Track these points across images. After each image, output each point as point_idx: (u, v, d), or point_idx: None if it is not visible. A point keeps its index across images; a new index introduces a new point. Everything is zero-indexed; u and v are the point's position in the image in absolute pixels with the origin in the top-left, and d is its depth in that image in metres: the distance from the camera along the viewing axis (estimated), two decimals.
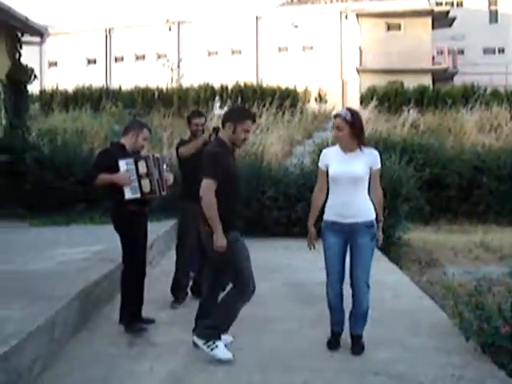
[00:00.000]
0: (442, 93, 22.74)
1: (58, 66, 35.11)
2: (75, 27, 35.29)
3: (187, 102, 22.12)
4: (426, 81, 27.32)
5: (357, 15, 30.72)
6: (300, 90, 24.56)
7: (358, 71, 30.21)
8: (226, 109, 15.44)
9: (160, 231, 7.91)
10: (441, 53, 31.28)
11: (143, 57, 34.51)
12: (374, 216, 4.17)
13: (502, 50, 33.52)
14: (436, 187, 12.83)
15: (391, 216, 8.31)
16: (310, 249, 4.30)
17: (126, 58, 34.90)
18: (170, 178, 4.88)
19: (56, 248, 6.85)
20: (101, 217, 9.13)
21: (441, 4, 33.51)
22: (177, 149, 5.65)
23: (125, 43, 34.23)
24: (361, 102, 23.65)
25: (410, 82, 25.10)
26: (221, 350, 3.95)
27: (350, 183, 4.10)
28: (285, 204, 9.42)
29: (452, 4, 34.03)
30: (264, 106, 20.89)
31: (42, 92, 24.24)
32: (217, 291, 4.32)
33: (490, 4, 34.12)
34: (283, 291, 6.06)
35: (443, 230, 11.98)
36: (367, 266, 4.16)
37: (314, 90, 26.15)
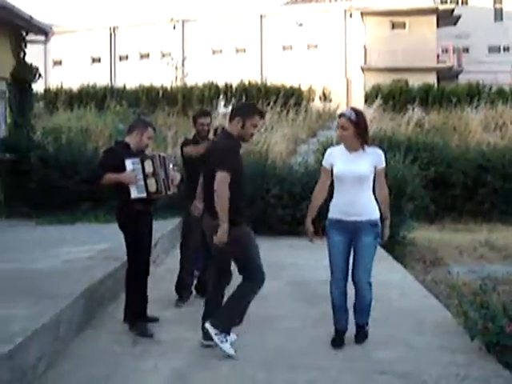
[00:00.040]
0: (446, 91, 22.70)
1: (63, 64, 35.20)
2: (80, 26, 35.38)
3: (192, 101, 22.14)
4: (431, 79, 27.25)
5: (361, 13, 30.62)
6: (304, 88, 24.52)
7: (362, 70, 30.15)
8: (230, 107, 15.46)
9: (165, 229, 7.91)
10: (446, 51, 31.16)
11: (148, 55, 34.54)
12: (378, 215, 4.17)
13: (507, 49, 33.40)
14: (441, 186, 12.82)
15: (396, 215, 8.24)
16: (311, 241, 4.31)
17: (131, 57, 34.93)
18: (176, 176, 4.86)
19: (61, 246, 6.87)
20: (105, 215, 9.16)
21: (446, 2, 33.39)
22: (181, 148, 5.64)
23: (129, 42, 34.29)
24: (365, 101, 23.64)
25: (415, 81, 25.06)
26: (228, 345, 4.00)
27: (355, 182, 4.12)
28: (289, 202, 9.40)
29: (457, 2, 33.88)
30: (268, 104, 20.85)
31: (47, 91, 24.28)
32: (221, 289, 4.32)
33: (495, 2, 33.98)
34: (287, 290, 6.06)
35: (448, 229, 11.97)
36: (369, 265, 4.18)
37: (318, 89, 26.11)
